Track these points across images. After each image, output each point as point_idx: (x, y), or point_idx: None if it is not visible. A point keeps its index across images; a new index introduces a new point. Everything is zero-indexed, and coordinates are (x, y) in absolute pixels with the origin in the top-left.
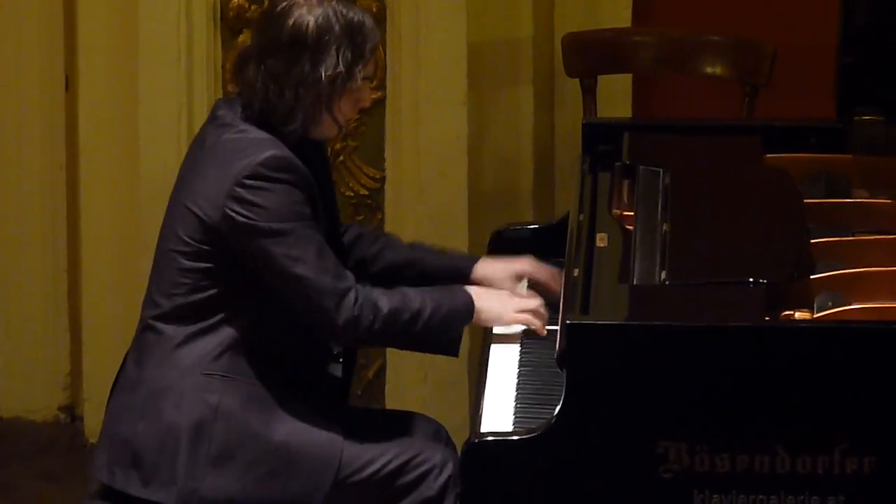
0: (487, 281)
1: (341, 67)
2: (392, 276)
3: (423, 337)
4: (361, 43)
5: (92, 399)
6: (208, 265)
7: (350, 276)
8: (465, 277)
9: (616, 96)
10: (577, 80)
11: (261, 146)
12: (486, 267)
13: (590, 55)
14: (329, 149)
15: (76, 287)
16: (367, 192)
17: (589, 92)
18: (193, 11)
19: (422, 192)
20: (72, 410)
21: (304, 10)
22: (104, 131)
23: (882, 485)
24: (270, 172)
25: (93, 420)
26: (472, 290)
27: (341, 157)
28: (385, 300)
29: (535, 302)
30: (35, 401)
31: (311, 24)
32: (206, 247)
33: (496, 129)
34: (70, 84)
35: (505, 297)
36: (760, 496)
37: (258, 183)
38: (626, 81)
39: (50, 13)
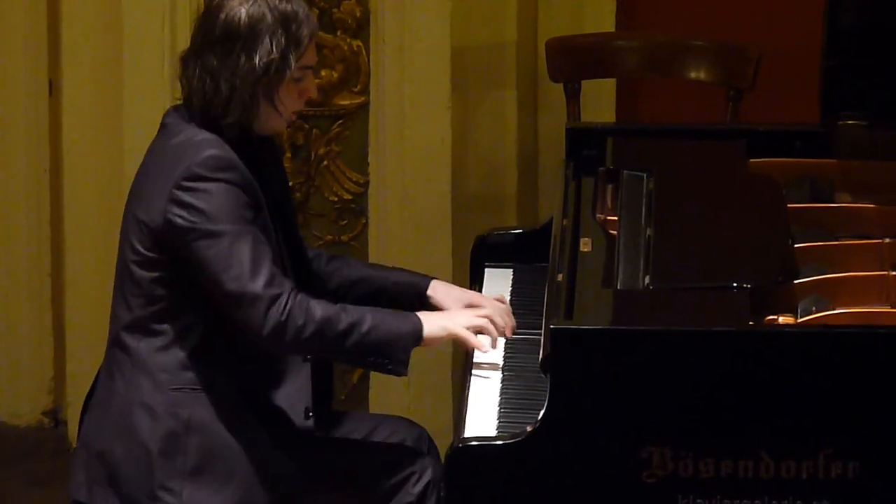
0: (438, 300)
1: (275, 54)
2: (347, 292)
3: (358, 351)
4: (297, 30)
5: (76, 404)
6: (160, 274)
7: (286, 283)
8: (421, 294)
9: (600, 101)
10: (560, 85)
11: (200, 147)
12: (441, 288)
13: (574, 59)
14: (312, 153)
15: (60, 292)
16: (350, 197)
17: (573, 96)
18: (177, 16)
19: (406, 196)
20: (56, 415)
21: (235, 3)
22: (88, 136)
23: (866, 490)
24: (208, 172)
25: (77, 425)
26: (422, 314)
27: (325, 162)
28: (319, 310)
29: (484, 311)
30: (19, 406)
31: (243, 15)
32: (155, 255)
33: (480, 134)
34: (54, 88)
35: (452, 312)
36: (745, 501)
37: (195, 184)
38: (610, 86)
39: (34, 18)
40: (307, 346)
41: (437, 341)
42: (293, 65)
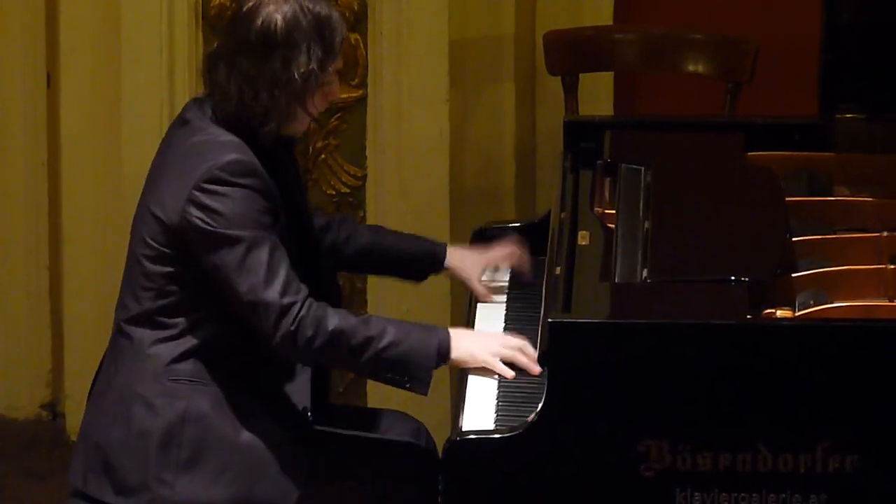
0: (457, 263)
1: (314, 65)
2: (364, 262)
3: (374, 366)
4: (330, 37)
5: (74, 396)
6: (172, 269)
7: (301, 290)
8: (439, 260)
9: (598, 94)
10: (558, 78)
11: (223, 150)
12: (457, 252)
13: (571, 52)
14: (310, 147)
15: (58, 284)
16: (348, 191)
17: (571, 89)
18: (175, 9)
19: (403, 190)
20: (54, 408)
21: (271, 9)
22: (86, 128)
23: (864, 483)
24: (230, 177)
25: (75, 417)
26: (453, 332)
27: (323, 156)
28: (335, 320)
29: (517, 342)
30: (17, 399)
31: (280, 22)
32: (168, 251)
33: (478, 127)
34: (52, 81)
35: (486, 336)
36: (742, 494)
37: (217, 187)
38: (608, 79)
39: (32, 10)
40: (318, 356)
41: (462, 364)
42: (330, 72)
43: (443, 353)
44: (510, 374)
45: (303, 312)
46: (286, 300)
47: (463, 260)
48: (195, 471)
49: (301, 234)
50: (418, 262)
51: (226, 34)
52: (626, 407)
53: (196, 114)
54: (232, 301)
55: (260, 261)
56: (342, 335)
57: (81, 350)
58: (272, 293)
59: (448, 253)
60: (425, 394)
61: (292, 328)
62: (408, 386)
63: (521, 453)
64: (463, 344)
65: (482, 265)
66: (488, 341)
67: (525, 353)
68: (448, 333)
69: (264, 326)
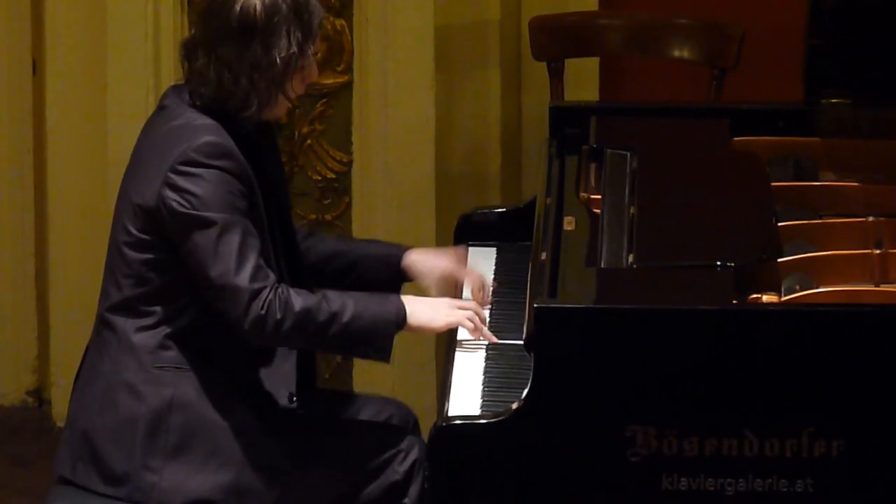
0: (414, 270)
1: (294, 48)
2: (324, 267)
3: (341, 341)
4: (309, 20)
5: (60, 383)
6: (151, 256)
7: (270, 275)
8: (395, 269)
9: (583, 79)
10: (544, 64)
11: (198, 132)
12: (416, 256)
13: (557, 38)
14: (296, 132)
15: (44, 271)
16: (334, 176)
17: (556, 75)
18: None
19: (389, 175)
20: (40, 394)
21: None
22: (72, 115)
23: (850, 468)
24: (204, 158)
25: (61, 404)
26: (405, 298)
27: (308, 141)
28: (300, 301)
29: (470, 306)
30: (3, 385)
31: (259, 7)
32: (147, 237)
33: (464, 113)
34: (37, 68)
35: (439, 302)
36: (728, 480)
37: (191, 169)
38: (594, 64)
39: None
40: (288, 338)
41: (419, 331)
42: (309, 55)
43: (400, 320)
44: (477, 335)
45: (270, 297)
46: (255, 285)
47: (423, 263)
48: (182, 457)
49: (280, 220)
50: (377, 262)
51: (204, 20)
52: (612, 392)
53: (174, 100)
54: (203, 284)
55: (231, 244)
56: (308, 315)
57: (67, 337)
58: (242, 278)
59: (408, 254)
60: (387, 361)
61: (262, 312)
62: (371, 356)
63: (508, 439)
64: (418, 310)
65: (439, 273)
66: (440, 305)
67: (473, 319)
68: (401, 301)
69: (234, 311)
